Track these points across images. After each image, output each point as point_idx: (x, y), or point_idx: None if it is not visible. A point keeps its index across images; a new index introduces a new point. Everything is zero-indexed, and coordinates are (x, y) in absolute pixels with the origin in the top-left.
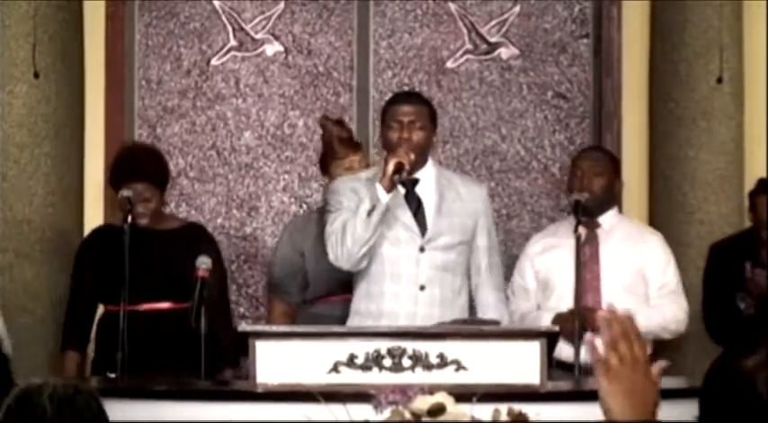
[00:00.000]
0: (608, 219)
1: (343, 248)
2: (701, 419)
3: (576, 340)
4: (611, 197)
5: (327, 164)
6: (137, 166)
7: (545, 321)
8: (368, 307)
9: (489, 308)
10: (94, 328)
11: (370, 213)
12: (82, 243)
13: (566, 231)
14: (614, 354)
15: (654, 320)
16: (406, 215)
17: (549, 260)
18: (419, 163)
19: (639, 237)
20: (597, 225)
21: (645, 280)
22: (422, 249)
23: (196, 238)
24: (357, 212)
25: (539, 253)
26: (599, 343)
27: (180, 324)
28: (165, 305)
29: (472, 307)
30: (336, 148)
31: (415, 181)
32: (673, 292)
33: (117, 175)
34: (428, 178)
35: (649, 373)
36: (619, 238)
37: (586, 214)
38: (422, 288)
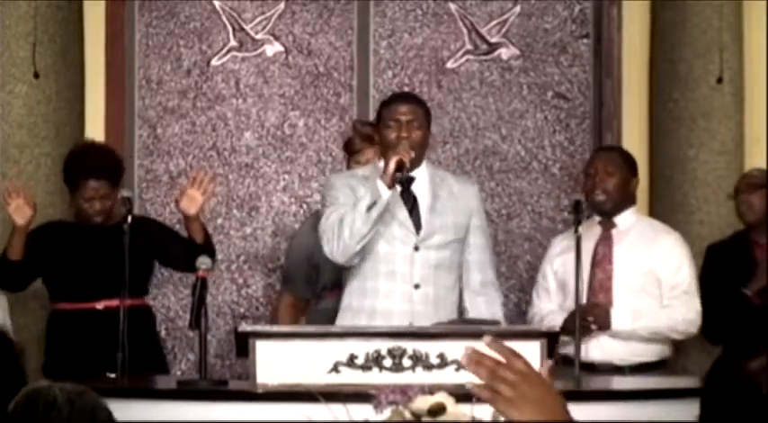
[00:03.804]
0: (625, 218)
1: (339, 242)
2: (701, 419)
3: (576, 340)
4: (626, 196)
5: (348, 161)
6: (95, 163)
7: (561, 321)
8: (361, 303)
9: (482, 306)
10: (45, 327)
11: (369, 209)
12: (33, 230)
13: (585, 232)
14: (501, 383)
15: (662, 321)
16: (402, 213)
17: (567, 261)
18: (415, 162)
19: (653, 237)
20: (613, 225)
21: (658, 281)
22: (416, 248)
23: (145, 230)
24: (356, 207)
25: (557, 254)
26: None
27: (136, 322)
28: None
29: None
30: (356, 142)
31: (411, 179)
32: (685, 293)
33: (75, 173)
34: (423, 177)
35: (541, 379)
36: (633, 239)
37: (600, 214)
38: (416, 287)
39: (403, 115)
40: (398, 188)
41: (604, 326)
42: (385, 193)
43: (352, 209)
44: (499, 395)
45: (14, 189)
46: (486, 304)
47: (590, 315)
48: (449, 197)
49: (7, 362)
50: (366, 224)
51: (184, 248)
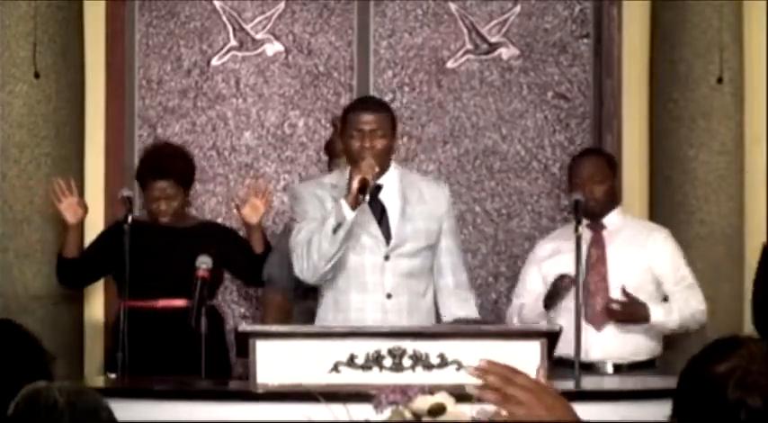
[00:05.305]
0: (612, 219)
1: (308, 262)
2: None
3: (576, 340)
4: (613, 199)
5: (329, 164)
6: (162, 163)
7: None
8: (335, 317)
9: (453, 308)
10: (111, 325)
11: (335, 230)
12: (108, 228)
13: (570, 235)
14: (516, 389)
15: (686, 312)
16: (371, 223)
17: (556, 264)
18: (382, 169)
19: (647, 235)
20: (602, 227)
21: (654, 278)
22: (386, 257)
23: (213, 234)
24: (323, 228)
25: (546, 258)
26: (488, 407)
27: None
28: (180, 302)
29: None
30: (337, 146)
31: (378, 187)
32: (691, 285)
33: (143, 172)
34: (391, 183)
35: (552, 390)
36: (625, 239)
37: (589, 217)
38: (388, 296)
39: (366, 125)
40: (366, 198)
41: (642, 319)
42: (349, 214)
43: (319, 228)
44: (510, 398)
45: (67, 187)
46: (460, 307)
47: (626, 306)
48: (419, 201)
49: (31, 360)
50: (333, 245)
51: (247, 258)
